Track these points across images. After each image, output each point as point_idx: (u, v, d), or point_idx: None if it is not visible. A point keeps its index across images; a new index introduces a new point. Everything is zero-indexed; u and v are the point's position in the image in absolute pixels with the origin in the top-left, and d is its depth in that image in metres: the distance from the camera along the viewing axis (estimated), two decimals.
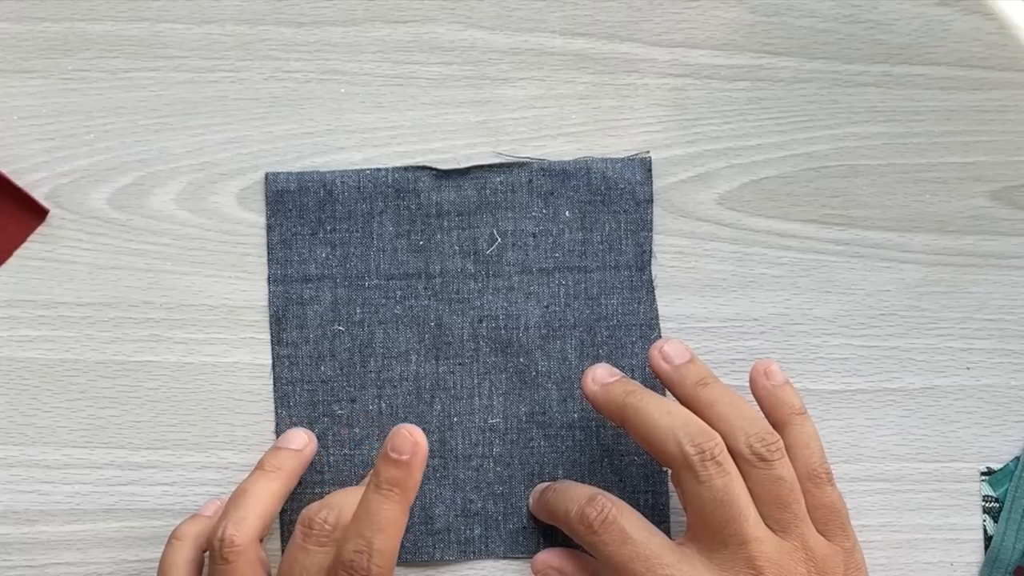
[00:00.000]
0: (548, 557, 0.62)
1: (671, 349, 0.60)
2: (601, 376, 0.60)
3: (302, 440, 0.62)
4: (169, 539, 0.60)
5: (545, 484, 0.63)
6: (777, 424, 0.58)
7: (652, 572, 0.55)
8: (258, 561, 0.58)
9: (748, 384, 0.60)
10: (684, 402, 0.58)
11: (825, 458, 0.58)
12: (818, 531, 0.57)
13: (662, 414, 0.57)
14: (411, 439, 0.56)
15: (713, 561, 0.56)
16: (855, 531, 0.58)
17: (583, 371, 0.60)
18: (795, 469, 0.57)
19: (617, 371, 0.60)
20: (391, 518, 0.55)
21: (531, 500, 0.63)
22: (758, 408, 0.59)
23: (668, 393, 0.60)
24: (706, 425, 0.56)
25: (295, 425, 0.63)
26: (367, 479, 0.57)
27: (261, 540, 0.59)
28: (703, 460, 0.55)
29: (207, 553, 0.58)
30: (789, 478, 0.56)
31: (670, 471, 0.57)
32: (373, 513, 0.55)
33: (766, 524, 0.56)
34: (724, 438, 0.56)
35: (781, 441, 0.57)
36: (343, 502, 0.57)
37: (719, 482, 0.55)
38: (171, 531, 0.60)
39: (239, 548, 0.57)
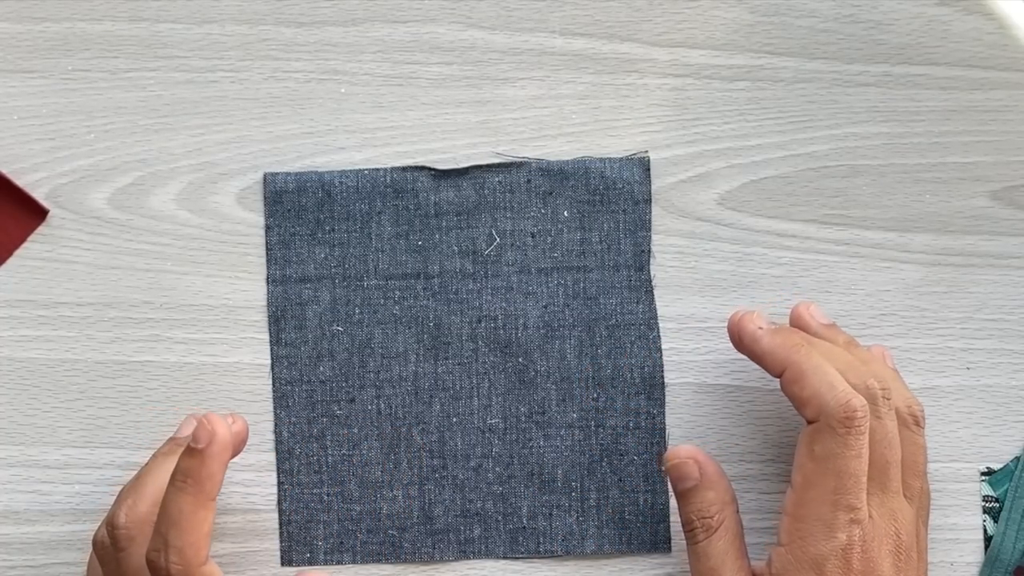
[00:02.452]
0: (677, 450, 0.58)
1: (817, 311, 0.61)
2: (763, 319, 0.59)
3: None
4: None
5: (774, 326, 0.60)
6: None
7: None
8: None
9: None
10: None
11: None
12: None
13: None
14: (208, 428, 0.55)
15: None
16: None
17: (729, 316, 0.60)
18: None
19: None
20: (184, 511, 0.54)
21: (739, 324, 0.60)
22: None
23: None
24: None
25: (294, 425, 0.63)
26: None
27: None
28: (876, 399, 0.56)
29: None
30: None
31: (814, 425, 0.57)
32: (166, 508, 0.54)
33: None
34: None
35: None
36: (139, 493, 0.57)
37: (890, 424, 0.56)
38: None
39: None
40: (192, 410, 0.63)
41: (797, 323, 0.61)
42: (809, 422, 0.56)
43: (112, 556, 0.57)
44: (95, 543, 0.58)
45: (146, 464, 0.59)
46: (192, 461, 0.54)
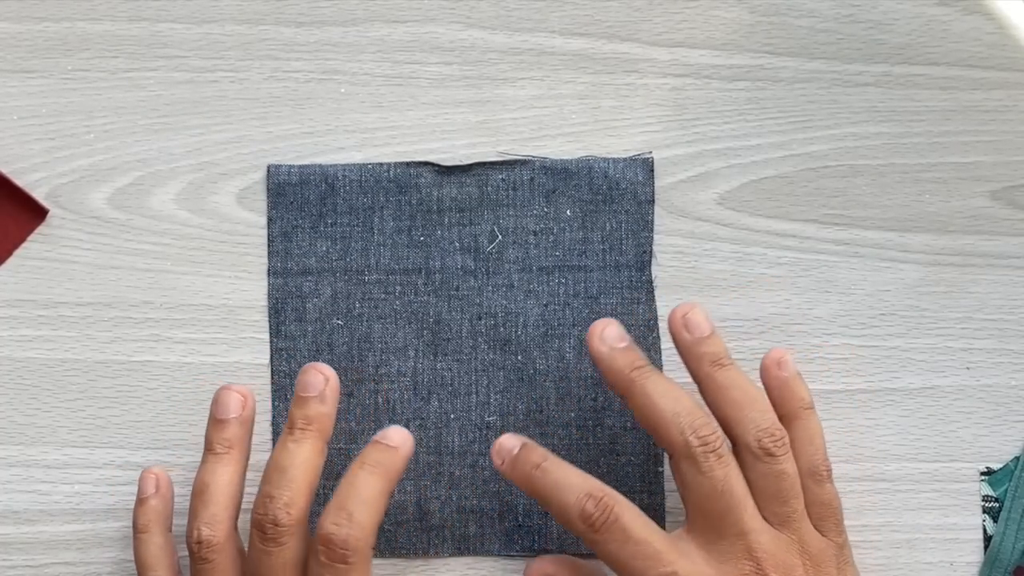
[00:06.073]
0: (542, 565, 0.60)
1: (695, 318, 0.58)
2: (611, 337, 0.58)
3: (238, 404, 0.59)
4: (136, 534, 0.59)
5: (516, 442, 0.58)
6: (784, 416, 0.58)
7: (654, 570, 0.55)
8: (237, 553, 0.58)
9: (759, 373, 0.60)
10: (697, 378, 0.58)
11: (827, 455, 0.58)
12: (813, 526, 0.57)
13: (668, 400, 0.56)
14: (403, 432, 0.57)
15: (711, 552, 0.56)
16: (846, 528, 0.58)
17: (591, 325, 0.58)
18: (797, 464, 0.57)
19: (627, 334, 0.58)
20: (377, 491, 0.56)
21: (499, 456, 0.58)
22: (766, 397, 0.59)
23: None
24: (709, 416, 0.57)
25: None
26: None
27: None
28: (705, 452, 0.55)
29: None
30: (792, 473, 0.56)
31: (669, 457, 0.57)
32: (357, 486, 0.56)
33: (764, 517, 0.56)
34: (732, 425, 0.57)
35: (787, 436, 0.57)
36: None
37: (719, 473, 0.55)
38: (133, 525, 0.60)
39: (218, 546, 0.57)
40: (192, 410, 0.63)
41: (673, 334, 0.59)
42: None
43: (192, 567, 0.57)
44: (207, 543, 0.57)
45: (206, 470, 0.58)
46: (385, 455, 0.56)
